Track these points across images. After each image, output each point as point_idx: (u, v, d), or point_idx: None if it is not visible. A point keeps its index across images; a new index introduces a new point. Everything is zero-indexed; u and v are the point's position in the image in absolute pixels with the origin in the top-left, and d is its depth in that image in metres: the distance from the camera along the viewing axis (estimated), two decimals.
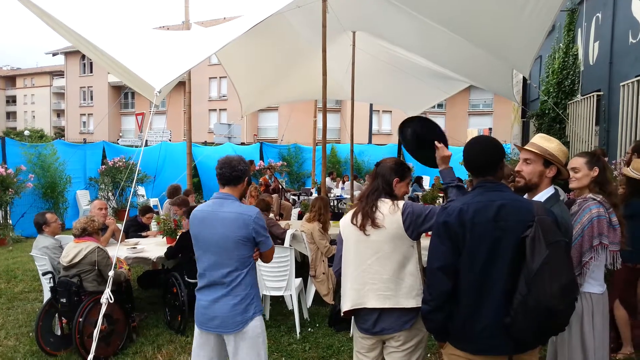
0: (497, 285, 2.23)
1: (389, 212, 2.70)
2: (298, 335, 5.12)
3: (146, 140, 18.06)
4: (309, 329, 5.29)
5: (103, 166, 13.51)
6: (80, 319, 4.37)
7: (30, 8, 5.26)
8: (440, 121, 41.30)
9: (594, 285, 2.95)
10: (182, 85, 9.96)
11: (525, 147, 2.82)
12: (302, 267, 6.72)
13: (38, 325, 4.66)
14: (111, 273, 3.82)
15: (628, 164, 4.76)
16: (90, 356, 3.37)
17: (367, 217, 2.72)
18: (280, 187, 11.74)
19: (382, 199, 2.77)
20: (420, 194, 11.91)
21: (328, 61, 7.53)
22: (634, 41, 6.88)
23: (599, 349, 2.93)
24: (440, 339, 2.44)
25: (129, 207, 4.85)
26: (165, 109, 31.58)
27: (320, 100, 7.98)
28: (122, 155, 13.92)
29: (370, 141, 22.55)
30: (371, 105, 21.58)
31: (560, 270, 2.09)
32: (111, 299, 3.65)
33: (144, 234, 6.83)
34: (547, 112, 9.82)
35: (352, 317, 2.89)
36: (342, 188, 14.14)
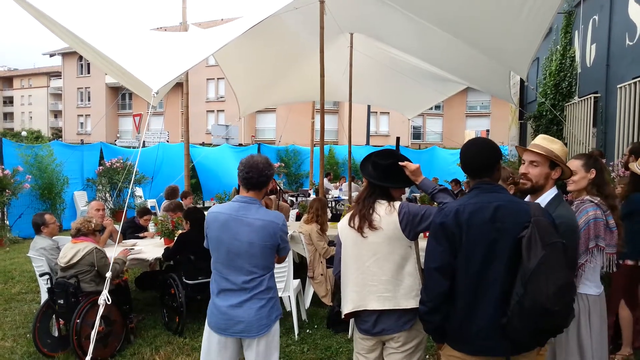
0: (494, 286, 2.23)
1: (385, 213, 2.71)
2: (296, 336, 5.12)
3: (144, 141, 18.05)
4: (308, 331, 5.28)
5: (100, 167, 13.50)
6: (78, 320, 4.36)
7: (27, 9, 5.26)
8: (437, 123, 41.52)
9: (589, 286, 2.95)
10: (179, 86, 9.95)
11: (531, 149, 2.81)
12: (301, 269, 6.72)
13: (35, 326, 4.65)
14: (109, 274, 3.81)
15: (625, 165, 4.78)
16: (88, 357, 3.37)
17: (364, 219, 2.73)
18: (278, 188, 11.73)
19: (379, 200, 2.78)
20: (418, 195, 11.92)
21: (326, 63, 7.54)
22: (631, 43, 6.91)
23: (597, 351, 2.93)
24: (438, 340, 2.45)
25: (127, 208, 4.85)
26: (163, 110, 31.57)
27: (318, 102, 7.97)
28: (119, 156, 13.91)
29: (368, 142, 22.56)
30: (369, 106, 21.61)
31: (557, 271, 2.09)
32: (109, 300, 3.65)
33: (141, 235, 6.82)
34: (544, 114, 9.84)
35: (352, 319, 2.89)
36: (340, 189, 14.15)
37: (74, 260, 4.54)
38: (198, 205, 13.28)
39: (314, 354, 4.72)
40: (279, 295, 5.30)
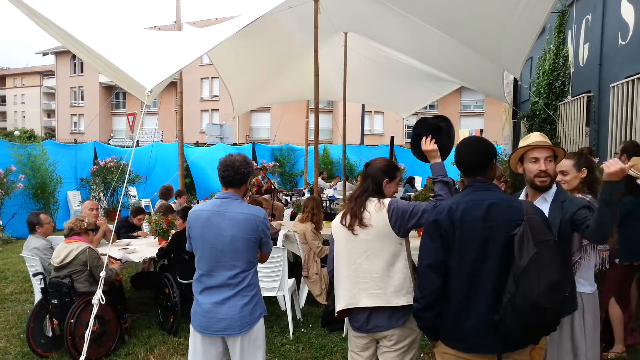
0: (486, 284, 2.25)
1: (375, 210, 2.73)
2: (291, 335, 5.12)
3: (137, 141, 17.99)
4: (302, 330, 5.29)
5: (94, 167, 13.43)
6: (72, 320, 4.35)
7: (19, 8, 5.22)
8: None
9: (584, 284, 2.97)
10: (173, 85, 9.95)
11: (542, 144, 2.76)
12: (295, 268, 6.71)
13: (29, 326, 4.63)
14: (102, 274, 3.80)
15: None
16: (82, 357, 3.36)
17: (355, 217, 2.76)
18: (273, 187, 11.73)
19: (371, 198, 2.80)
20: (412, 194, 11.95)
21: (320, 62, 7.54)
22: (624, 43, 6.95)
23: (590, 349, 2.95)
24: (432, 337, 2.47)
25: (121, 207, 4.83)
26: (157, 109, 31.47)
27: (312, 101, 7.99)
28: (113, 155, 13.84)
29: (362, 142, 22.60)
30: (363, 106, 21.63)
31: (549, 268, 2.10)
32: (103, 300, 3.64)
33: (135, 234, 6.80)
34: (537, 113, 9.88)
35: (347, 317, 2.90)
36: (335, 189, 14.16)
37: (67, 260, 4.52)
38: (192, 205, 13.25)
39: (309, 353, 4.73)
40: (274, 294, 5.34)
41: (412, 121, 40.12)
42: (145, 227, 6.98)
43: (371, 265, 2.71)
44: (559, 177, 3.03)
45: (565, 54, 9.44)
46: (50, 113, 59.06)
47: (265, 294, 5.37)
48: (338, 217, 2.91)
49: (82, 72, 48.37)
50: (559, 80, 9.50)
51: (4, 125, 61.87)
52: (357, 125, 23.69)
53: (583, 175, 3.09)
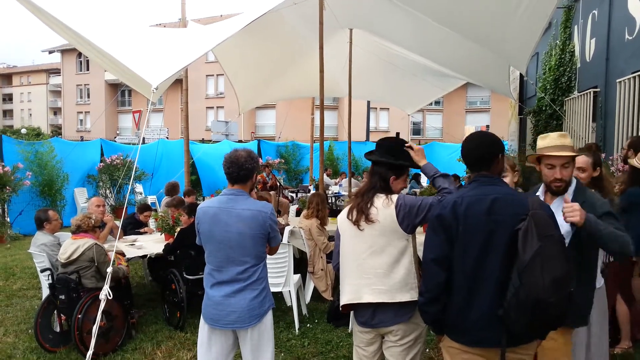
0: (491, 278, 2.25)
1: (382, 205, 2.73)
2: (297, 331, 5.14)
3: (143, 138, 18.03)
4: (308, 325, 5.31)
5: (101, 164, 13.51)
6: (79, 316, 4.39)
7: (25, 5, 5.24)
8: (437, 118, 41.49)
9: None
10: (179, 82, 9.96)
11: (561, 152, 2.69)
12: (301, 264, 6.73)
13: (37, 322, 4.68)
14: (109, 269, 3.83)
15: (624, 159, 4.79)
16: (90, 352, 3.39)
17: (361, 213, 2.76)
18: (278, 184, 11.76)
19: (378, 194, 2.80)
20: (418, 190, 11.94)
21: (325, 58, 7.53)
22: (630, 38, 6.91)
23: (597, 344, 2.95)
24: (437, 331, 2.48)
25: (127, 204, 4.86)
26: (163, 106, 31.49)
27: (317, 98, 7.97)
28: (119, 152, 13.91)
29: (367, 138, 22.54)
30: (368, 102, 21.60)
31: (554, 263, 2.09)
32: (110, 296, 3.66)
33: (141, 230, 6.83)
34: (544, 108, 9.85)
35: (352, 313, 2.91)
36: (340, 185, 14.16)
37: (74, 257, 4.56)
38: (199, 202, 13.29)
39: (314, 348, 4.75)
40: (280, 290, 5.36)
41: (418, 117, 39.96)
42: (152, 223, 7.02)
43: (376, 261, 2.71)
44: (575, 172, 2.98)
45: (572, 50, 9.39)
46: (56, 111, 59.35)
47: (271, 289, 5.39)
48: (344, 211, 2.91)
49: (87, 69, 48.52)
50: (565, 75, 9.46)
51: (11, 123, 62.27)
52: (362, 122, 23.64)
53: (596, 174, 3.10)
